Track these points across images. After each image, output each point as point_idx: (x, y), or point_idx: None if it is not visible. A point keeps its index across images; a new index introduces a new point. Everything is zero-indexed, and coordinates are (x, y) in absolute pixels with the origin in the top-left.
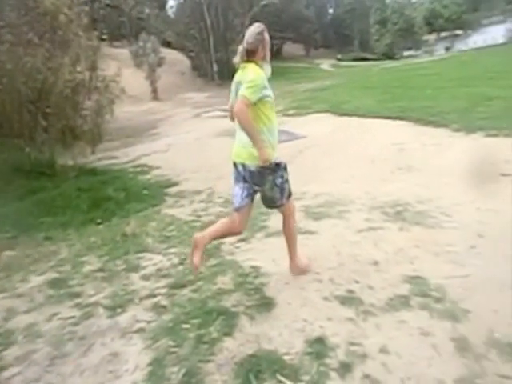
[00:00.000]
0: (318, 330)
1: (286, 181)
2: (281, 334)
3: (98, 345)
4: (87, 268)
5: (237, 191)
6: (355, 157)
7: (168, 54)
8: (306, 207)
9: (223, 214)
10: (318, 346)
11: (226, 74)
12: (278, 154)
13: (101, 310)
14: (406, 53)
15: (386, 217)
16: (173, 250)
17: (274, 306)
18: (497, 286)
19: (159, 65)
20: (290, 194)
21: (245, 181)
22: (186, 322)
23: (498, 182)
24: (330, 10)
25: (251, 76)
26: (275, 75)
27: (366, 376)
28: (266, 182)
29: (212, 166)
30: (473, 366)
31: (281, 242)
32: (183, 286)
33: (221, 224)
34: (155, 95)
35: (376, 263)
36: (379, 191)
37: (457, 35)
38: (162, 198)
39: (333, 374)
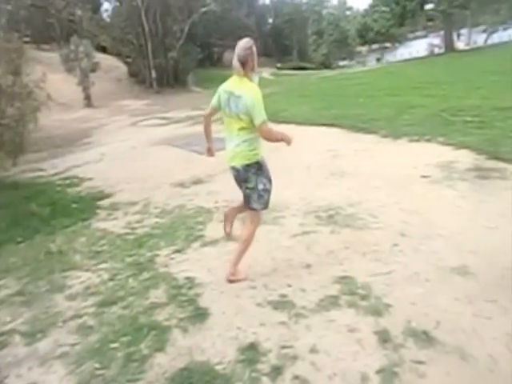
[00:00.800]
0: (250, 337)
1: (267, 191)
2: (214, 344)
3: (13, 377)
4: (4, 292)
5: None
6: (292, 164)
7: (103, 59)
8: (242, 214)
9: (158, 226)
10: (251, 353)
11: (165, 81)
12: (222, 159)
13: (17, 338)
14: (341, 63)
15: (319, 221)
16: (103, 266)
17: (208, 317)
18: (415, 280)
19: (93, 70)
20: (265, 206)
21: (236, 181)
22: (114, 341)
23: (418, 184)
24: (270, 20)
25: (254, 95)
26: (216, 82)
27: (296, 377)
28: (249, 180)
29: (149, 176)
30: (392, 355)
31: (217, 251)
32: (113, 302)
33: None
34: (88, 102)
35: (308, 266)
36: (314, 196)
37: (386, 47)
38: (93, 212)
39: (264, 379)
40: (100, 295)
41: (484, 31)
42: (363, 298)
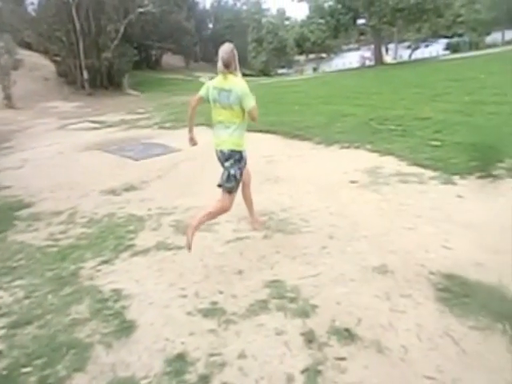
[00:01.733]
0: (179, 347)
1: (236, 179)
2: (140, 358)
3: None
4: None
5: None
6: None
7: (27, 56)
8: (176, 222)
9: (85, 236)
10: (178, 364)
11: (99, 82)
12: (156, 166)
13: None
14: (280, 70)
15: (252, 226)
16: (18, 283)
17: (135, 330)
18: (341, 281)
19: (15, 68)
20: (230, 191)
21: (221, 163)
22: (26, 365)
23: (347, 189)
24: (210, 25)
25: (243, 87)
26: (153, 86)
27: None
28: (229, 161)
29: (76, 183)
30: (316, 354)
31: (147, 260)
32: (28, 322)
33: (212, 205)
34: (9, 103)
35: (240, 272)
36: None
37: (322, 57)
38: (9, 223)
39: None
40: (13, 315)
41: (409, 47)
42: (292, 300)
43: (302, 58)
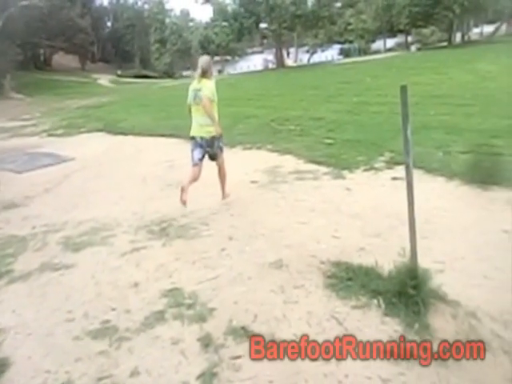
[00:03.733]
0: (62, 378)
1: (223, 147)
2: None
3: None
4: None
5: (195, 154)
6: (127, 177)
7: None
8: (66, 238)
9: None
10: None
11: None
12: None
13: None
14: (185, 72)
15: (151, 235)
16: None
17: (9, 367)
18: (239, 281)
19: None
20: (222, 150)
21: (201, 147)
22: None
23: (248, 189)
24: (109, 23)
25: (210, 86)
26: (43, 89)
27: None
28: (214, 146)
29: None
30: (213, 357)
31: (28, 286)
32: None
33: (188, 174)
34: None
35: (136, 285)
36: (147, 210)
37: (227, 60)
38: None
39: None
40: None
41: (307, 51)
42: (189, 307)
43: None
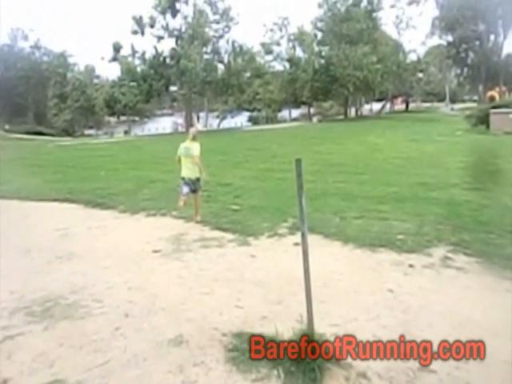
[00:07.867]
0: None
1: (201, 183)
2: None
3: None
4: None
5: (184, 189)
6: (5, 249)
7: None
8: None
9: None
10: None
11: None
12: None
13: None
14: (87, 131)
15: (30, 318)
16: None
17: None
18: (133, 363)
19: None
20: (200, 187)
21: (188, 184)
22: None
23: (149, 259)
24: None
25: (197, 147)
26: None
27: None
28: (196, 184)
29: None
30: None
31: None
32: None
33: (178, 202)
34: None
35: (5, 382)
36: (29, 288)
37: (135, 120)
38: None
39: None
40: None
41: (217, 116)
42: None
43: (113, 119)
